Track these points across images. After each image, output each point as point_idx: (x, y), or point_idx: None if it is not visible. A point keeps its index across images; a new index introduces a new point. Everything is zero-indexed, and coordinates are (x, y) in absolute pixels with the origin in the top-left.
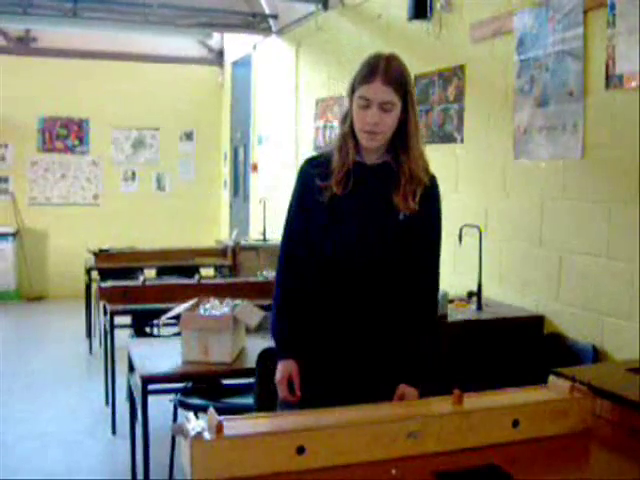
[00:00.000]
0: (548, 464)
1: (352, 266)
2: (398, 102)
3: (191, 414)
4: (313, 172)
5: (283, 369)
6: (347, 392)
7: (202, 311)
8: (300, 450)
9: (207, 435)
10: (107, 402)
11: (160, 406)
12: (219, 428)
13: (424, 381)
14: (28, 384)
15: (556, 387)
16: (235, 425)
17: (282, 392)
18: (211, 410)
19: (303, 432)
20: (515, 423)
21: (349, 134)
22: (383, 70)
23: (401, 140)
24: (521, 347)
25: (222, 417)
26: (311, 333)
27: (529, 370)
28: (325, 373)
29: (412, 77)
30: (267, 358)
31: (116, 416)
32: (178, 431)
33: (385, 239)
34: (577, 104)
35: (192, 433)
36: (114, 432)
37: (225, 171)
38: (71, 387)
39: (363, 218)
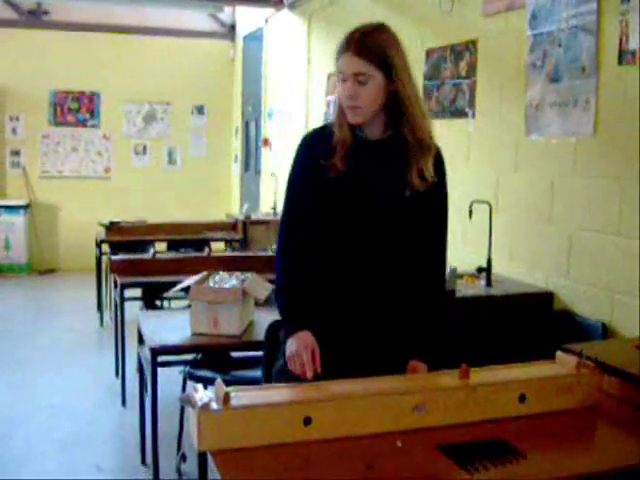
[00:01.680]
0: (554, 439)
1: (359, 244)
2: (375, 73)
3: (199, 385)
4: (316, 147)
5: (301, 341)
6: (356, 368)
7: (211, 284)
8: (307, 421)
9: (214, 406)
10: (117, 374)
11: (169, 378)
12: (226, 399)
13: (434, 357)
14: (39, 356)
15: (563, 362)
16: (242, 396)
17: (300, 366)
18: (218, 381)
19: (310, 403)
20: (522, 398)
21: (341, 109)
22: (356, 41)
23: (399, 112)
24: (530, 323)
25: (229, 388)
26: (318, 311)
27: (538, 346)
28: (334, 350)
29: (399, 46)
30: (276, 331)
31: (126, 388)
32: (186, 401)
33: (392, 216)
34: (589, 80)
35: (199, 404)
36: (124, 404)
37: (236, 145)
38: (82, 359)
39: (370, 195)
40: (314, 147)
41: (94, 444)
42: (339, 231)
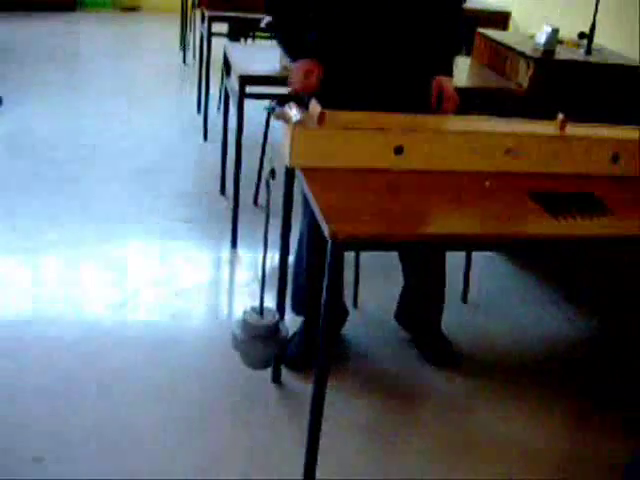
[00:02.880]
0: None
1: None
2: None
3: (293, 103)
4: None
5: (302, 64)
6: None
7: None
8: (398, 150)
9: (309, 122)
10: (199, 109)
11: (251, 119)
12: (321, 118)
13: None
14: (123, 91)
15: None
16: (337, 118)
17: (298, 82)
18: (313, 101)
19: (403, 133)
20: (615, 158)
21: None
22: None
23: None
24: (626, 98)
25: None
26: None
27: (634, 121)
28: (353, 74)
29: None
30: None
31: (208, 124)
32: (280, 116)
33: None
34: None
35: (294, 119)
36: (205, 138)
37: None
38: (164, 95)
39: None
40: None
41: (175, 172)
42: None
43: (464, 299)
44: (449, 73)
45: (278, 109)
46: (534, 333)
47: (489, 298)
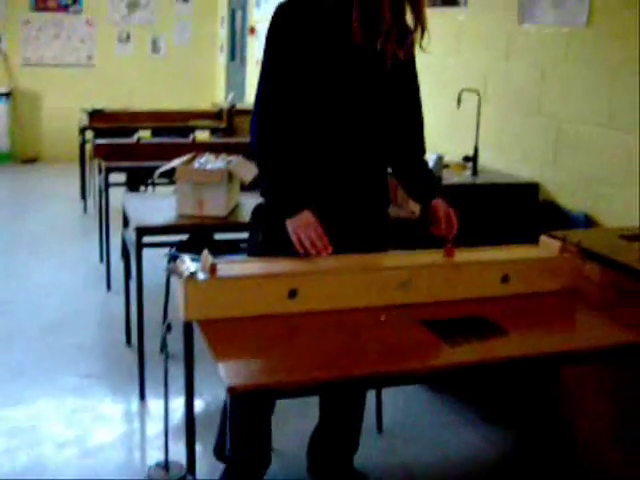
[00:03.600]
0: (535, 319)
1: (350, 122)
2: None
3: (186, 256)
4: (302, 17)
5: (306, 222)
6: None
7: (197, 165)
8: (292, 294)
9: (201, 275)
10: (102, 259)
11: (153, 264)
12: (212, 269)
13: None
14: (23, 242)
15: (547, 247)
16: (228, 267)
17: (312, 247)
18: (205, 252)
19: (296, 276)
20: (505, 278)
21: None
22: None
23: None
24: (515, 214)
25: (216, 259)
26: (308, 189)
27: (522, 235)
28: (330, 225)
29: None
30: (261, 213)
31: (111, 273)
32: (173, 271)
33: (378, 92)
34: None
35: (186, 273)
36: (109, 288)
37: (222, 34)
38: (66, 246)
39: (360, 71)
40: (299, 18)
41: (79, 326)
42: (333, 106)
43: (379, 428)
44: (440, 194)
45: (175, 261)
46: (453, 457)
47: (404, 425)
